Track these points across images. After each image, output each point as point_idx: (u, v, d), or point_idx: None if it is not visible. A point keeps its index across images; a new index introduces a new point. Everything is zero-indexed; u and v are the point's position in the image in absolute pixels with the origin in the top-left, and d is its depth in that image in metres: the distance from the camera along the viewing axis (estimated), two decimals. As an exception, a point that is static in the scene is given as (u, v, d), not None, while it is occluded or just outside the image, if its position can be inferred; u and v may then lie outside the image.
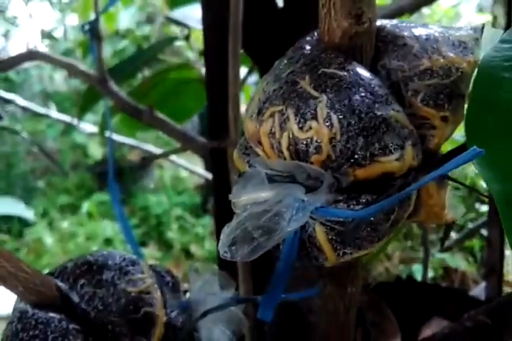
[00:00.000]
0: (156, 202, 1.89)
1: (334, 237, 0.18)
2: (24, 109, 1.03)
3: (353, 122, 0.16)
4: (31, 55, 0.60)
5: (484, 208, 1.23)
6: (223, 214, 0.37)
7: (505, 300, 0.33)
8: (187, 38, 0.79)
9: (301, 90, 0.17)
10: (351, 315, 0.26)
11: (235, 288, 0.24)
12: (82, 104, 0.73)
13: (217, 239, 0.39)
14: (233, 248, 0.16)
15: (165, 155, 0.80)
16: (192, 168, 1.09)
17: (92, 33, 0.54)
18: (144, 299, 0.22)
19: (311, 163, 0.17)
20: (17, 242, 1.92)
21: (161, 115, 0.51)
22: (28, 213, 1.19)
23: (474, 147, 0.14)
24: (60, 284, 0.22)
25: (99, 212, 1.88)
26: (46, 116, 1.12)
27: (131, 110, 0.51)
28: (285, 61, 0.18)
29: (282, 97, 0.17)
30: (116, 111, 0.73)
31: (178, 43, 1.32)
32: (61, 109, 1.95)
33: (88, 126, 1.15)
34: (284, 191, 0.17)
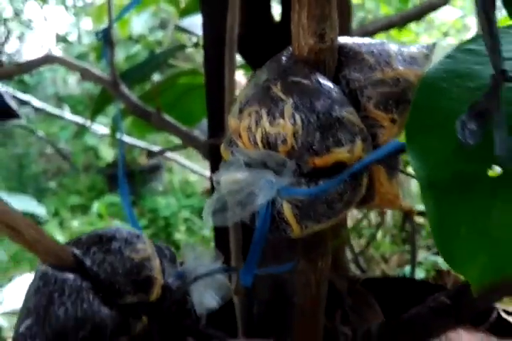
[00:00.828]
0: (165, 204, 1.94)
1: (298, 213, 0.22)
2: (37, 111, 1.08)
3: (312, 120, 0.21)
4: (49, 59, 0.65)
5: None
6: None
7: (463, 286, 0.37)
8: (196, 45, 0.84)
9: (273, 94, 0.21)
10: (322, 288, 0.30)
11: (224, 262, 0.29)
12: (95, 106, 0.78)
13: (218, 243, 0.44)
14: (214, 216, 0.21)
15: (164, 152, 0.84)
16: (201, 171, 1.13)
17: (106, 40, 0.58)
18: (145, 265, 0.26)
19: (279, 152, 0.21)
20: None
21: (167, 117, 0.55)
22: (40, 210, 1.24)
23: (396, 141, 0.18)
24: (76, 251, 0.26)
25: (109, 212, 1.93)
26: (60, 117, 1.17)
27: (140, 112, 0.56)
28: (264, 70, 0.23)
29: (258, 100, 0.21)
30: (128, 114, 0.78)
31: (190, 49, 1.37)
32: (74, 112, 2.01)
33: (100, 127, 1.20)
34: (257, 174, 0.21)
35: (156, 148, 1.14)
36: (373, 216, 1.25)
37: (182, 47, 0.98)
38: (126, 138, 1.04)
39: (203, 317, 0.29)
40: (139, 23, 1.63)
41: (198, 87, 0.83)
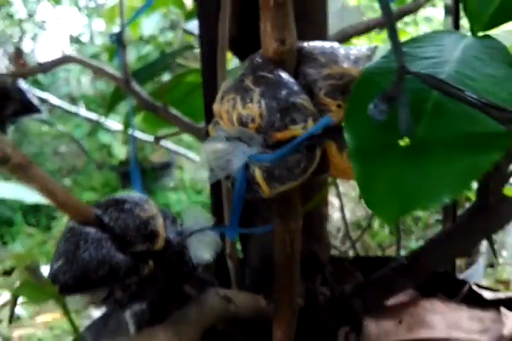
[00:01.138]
0: (176, 200, 2.01)
1: (266, 176, 0.29)
2: (51, 110, 1.16)
3: (274, 105, 0.28)
4: (67, 59, 0.72)
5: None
6: (217, 190, 0.48)
7: (419, 251, 0.44)
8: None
9: (245, 85, 0.28)
10: (295, 246, 0.37)
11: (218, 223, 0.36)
12: (109, 103, 0.86)
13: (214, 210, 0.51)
14: (203, 173, 0.28)
15: (163, 138, 0.90)
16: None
17: (118, 41, 0.66)
18: (150, 221, 0.34)
19: (250, 129, 0.28)
20: (45, 235, 2.06)
21: (173, 111, 0.62)
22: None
23: (326, 117, 0.25)
24: (97, 211, 0.34)
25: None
26: (75, 114, 1.25)
27: (149, 107, 0.63)
28: (240, 67, 0.30)
29: (234, 89, 0.29)
30: (139, 111, 0.85)
31: (198, 50, 1.44)
32: (88, 110, 2.10)
33: (113, 123, 1.28)
34: (233, 145, 0.28)
35: (167, 144, 1.21)
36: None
37: (190, 47, 1.05)
38: (138, 134, 1.12)
39: (198, 266, 0.36)
40: (149, 24, 1.70)
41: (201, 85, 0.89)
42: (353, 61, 0.31)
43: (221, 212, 0.41)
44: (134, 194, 0.35)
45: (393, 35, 0.24)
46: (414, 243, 1.31)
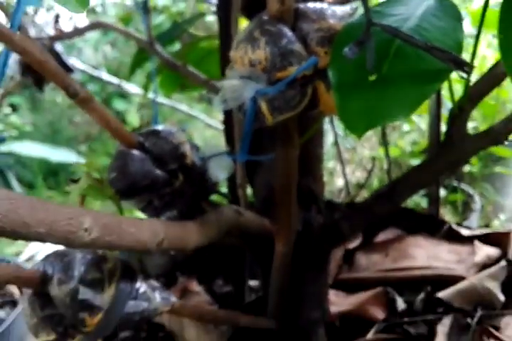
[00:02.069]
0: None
1: (270, 107, 0.38)
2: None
3: (276, 50, 0.37)
4: (98, 25, 0.81)
5: (467, 168, 1.42)
6: (230, 126, 0.58)
7: (397, 180, 0.53)
8: (215, 13, 0.99)
9: (254, 36, 0.37)
10: (293, 171, 0.47)
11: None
12: (132, 65, 0.95)
13: (226, 142, 0.61)
14: (221, 104, 0.37)
15: None
16: (218, 126, 1.29)
17: (144, 8, 0.74)
18: (181, 146, 0.43)
19: (258, 69, 0.37)
20: (64, 198, 2.17)
21: (191, 69, 0.71)
22: (80, 161, 1.42)
23: (313, 57, 0.35)
24: (139, 137, 0.43)
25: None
26: (98, 79, 1.34)
27: (171, 65, 0.72)
28: (251, 22, 0.39)
29: (246, 39, 0.38)
30: (159, 73, 0.93)
31: (210, 19, 1.53)
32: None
33: (132, 87, 1.37)
34: (245, 82, 0.37)
35: (181, 106, 1.30)
36: (367, 162, 1.41)
37: (202, 14, 1.14)
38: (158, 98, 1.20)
39: (216, 184, 0.46)
40: (163, -5, 1.78)
41: (214, 50, 0.98)
42: (338, 18, 0.40)
43: (233, 144, 0.50)
44: (167, 127, 0.45)
45: (363, -4, 0.33)
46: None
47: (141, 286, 0.40)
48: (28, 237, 0.24)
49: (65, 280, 0.35)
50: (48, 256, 0.38)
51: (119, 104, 2.47)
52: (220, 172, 0.45)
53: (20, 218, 0.23)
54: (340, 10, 0.40)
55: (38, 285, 0.36)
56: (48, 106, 2.80)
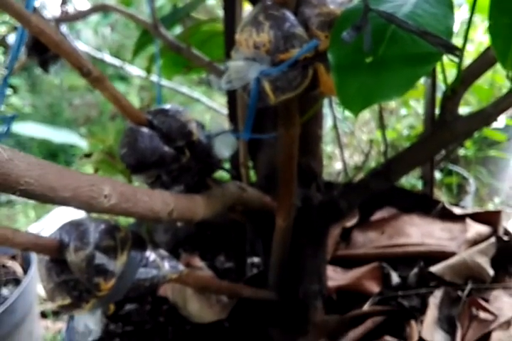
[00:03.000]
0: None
1: (273, 87, 0.41)
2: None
3: (279, 33, 0.39)
4: (103, 7, 0.83)
5: (462, 151, 1.45)
6: (233, 106, 0.60)
7: (391, 160, 0.56)
8: (219, -3, 1.00)
9: (259, 20, 0.40)
10: (294, 148, 0.49)
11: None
12: (136, 47, 0.96)
13: (230, 121, 0.63)
14: (227, 83, 0.40)
15: None
16: (219, 109, 1.32)
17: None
18: (188, 124, 0.46)
19: (262, 51, 0.40)
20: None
21: (195, 51, 0.73)
22: (82, 143, 1.45)
23: (314, 40, 0.37)
24: (148, 115, 0.46)
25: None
26: (101, 61, 1.36)
27: (175, 48, 0.74)
28: (255, 7, 0.41)
29: (251, 23, 0.40)
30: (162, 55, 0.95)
31: (211, 2, 1.54)
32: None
33: (134, 69, 1.39)
34: (249, 63, 0.40)
35: (182, 89, 1.32)
36: (364, 146, 1.44)
37: (204, -1, 1.14)
38: (156, 79, 1.22)
39: (221, 160, 0.49)
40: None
41: (217, 34, 0.99)
42: (338, 3, 0.42)
43: (236, 123, 0.53)
44: (175, 105, 0.47)
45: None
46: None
47: (151, 255, 0.43)
48: (55, 201, 0.27)
49: (82, 247, 0.38)
50: (63, 226, 0.41)
51: (119, 87, 2.48)
52: (224, 149, 0.48)
53: (49, 183, 0.26)
54: (340, -5, 0.42)
55: (55, 252, 0.39)
56: (46, 88, 2.81)
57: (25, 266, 0.88)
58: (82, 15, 0.85)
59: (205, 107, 1.81)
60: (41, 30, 0.39)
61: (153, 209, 0.35)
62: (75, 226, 0.40)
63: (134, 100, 2.51)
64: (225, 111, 1.47)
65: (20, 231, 0.36)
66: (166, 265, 0.43)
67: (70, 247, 0.38)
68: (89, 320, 0.42)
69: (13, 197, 1.72)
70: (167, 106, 0.47)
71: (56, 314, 1.16)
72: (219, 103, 1.56)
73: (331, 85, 0.43)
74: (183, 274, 0.44)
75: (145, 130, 0.45)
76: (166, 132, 0.46)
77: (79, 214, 0.43)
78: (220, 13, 1.27)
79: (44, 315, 1.13)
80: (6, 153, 0.24)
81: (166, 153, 0.45)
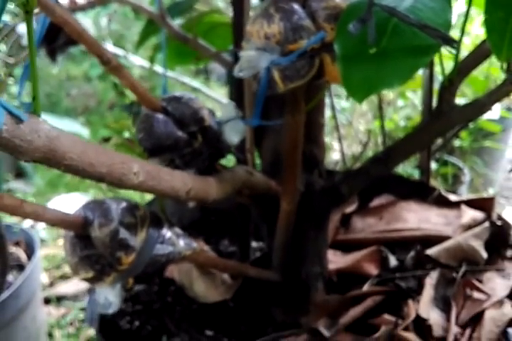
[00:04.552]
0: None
1: (281, 75, 0.44)
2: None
3: (288, 25, 0.42)
4: (110, -2, 0.85)
5: (457, 142, 1.48)
6: (240, 93, 0.63)
7: (390, 148, 0.59)
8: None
9: (270, 12, 0.42)
10: (299, 134, 0.52)
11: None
12: (141, 37, 0.98)
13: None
14: (239, 72, 0.42)
15: None
16: (218, 98, 1.34)
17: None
18: (200, 111, 0.49)
19: (272, 42, 0.42)
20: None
21: (202, 41, 0.76)
22: (83, 131, 1.47)
23: (322, 32, 0.40)
24: (162, 102, 0.49)
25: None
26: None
27: (181, 38, 0.77)
28: (266, 1, 0.44)
29: (262, 15, 0.43)
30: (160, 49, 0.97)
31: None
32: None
33: (137, 59, 1.41)
34: (260, 53, 0.43)
35: (184, 79, 1.34)
36: (362, 137, 1.47)
37: (207, -10, 1.16)
38: (158, 69, 1.24)
39: (231, 146, 0.51)
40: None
41: (220, 24, 1.01)
42: (344, -2, 0.45)
43: (243, 111, 0.56)
44: (187, 93, 0.50)
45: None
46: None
47: (167, 233, 0.46)
48: (92, 176, 0.30)
49: (106, 223, 0.41)
50: (87, 204, 0.44)
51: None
52: (234, 135, 0.51)
53: (89, 159, 0.29)
54: (345, -10, 0.45)
55: (80, 228, 0.42)
56: (44, 77, 2.81)
57: (29, 252, 0.90)
58: (90, 6, 0.87)
59: (205, 97, 1.84)
60: (65, 21, 0.42)
61: (174, 188, 0.38)
62: (98, 204, 0.43)
63: (134, 91, 2.52)
64: (224, 100, 1.50)
65: (49, 208, 0.39)
66: (181, 242, 0.46)
67: (94, 223, 0.41)
68: (110, 293, 0.45)
69: (12, 186, 1.75)
70: (180, 94, 0.50)
71: (59, 300, 1.19)
72: (219, 93, 1.58)
73: (336, 74, 0.46)
74: (196, 251, 0.47)
75: (160, 116, 0.48)
76: (179, 118, 0.48)
77: (78, 202, 0.46)
78: (220, 4, 1.29)
79: (47, 301, 1.15)
80: (54, 132, 0.26)
81: (179, 137, 0.48)
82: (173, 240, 0.45)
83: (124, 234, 0.41)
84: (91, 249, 0.43)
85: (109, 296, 0.44)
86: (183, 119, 0.48)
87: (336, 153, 1.80)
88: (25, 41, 0.64)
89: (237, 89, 0.64)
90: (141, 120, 0.48)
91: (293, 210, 0.60)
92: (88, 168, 0.29)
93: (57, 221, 0.40)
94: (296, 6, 0.43)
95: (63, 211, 0.40)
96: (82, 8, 0.84)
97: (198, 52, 0.79)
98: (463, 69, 0.53)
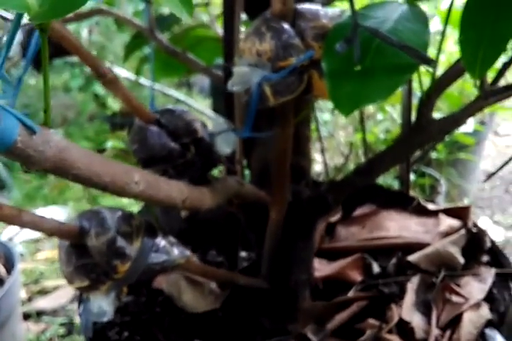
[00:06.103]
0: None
1: (273, 90, 0.46)
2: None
3: (279, 43, 0.44)
4: (99, 11, 0.87)
5: (434, 154, 1.53)
6: (230, 106, 0.65)
7: (373, 158, 0.62)
8: (207, 4, 1.05)
9: (261, 31, 0.45)
10: (288, 146, 0.54)
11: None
12: (127, 50, 1.00)
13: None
14: (232, 87, 0.45)
15: None
16: (201, 109, 1.36)
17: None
18: (192, 123, 0.51)
19: (263, 59, 0.45)
20: (41, 181, 2.20)
21: (191, 55, 0.78)
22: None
23: (310, 51, 0.42)
24: (156, 115, 0.50)
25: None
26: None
27: (170, 51, 0.79)
28: (257, 19, 0.47)
29: (254, 33, 0.45)
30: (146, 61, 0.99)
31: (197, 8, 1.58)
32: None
33: (122, 71, 1.42)
34: (252, 69, 0.45)
35: (169, 91, 1.36)
36: (343, 149, 1.50)
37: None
38: (143, 81, 1.26)
39: (222, 156, 0.54)
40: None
41: (205, 39, 1.04)
42: (330, 18, 0.48)
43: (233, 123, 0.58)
44: (181, 108, 0.52)
45: (351, 2, 0.41)
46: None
47: (161, 241, 0.47)
48: (98, 185, 0.31)
49: (103, 232, 0.42)
50: (82, 214, 0.45)
51: (99, 88, 2.49)
52: (225, 146, 0.53)
53: (95, 169, 0.30)
54: (331, 11, 0.48)
55: (76, 237, 0.43)
56: (22, 88, 2.78)
57: (8, 266, 0.88)
58: (78, 19, 0.89)
59: (189, 108, 1.86)
60: (63, 35, 0.44)
61: (171, 197, 0.40)
62: (94, 214, 0.44)
63: (115, 102, 2.53)
64: (208, 112, 1.53)
65: (46, 218, 0.40)
66: (175, 250, 0.48)
67: (91, 232, 0.43)
68: (104, 302, 0.46)
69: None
70: (173, 107, 0.52)
71: (39, 315, 1.17)
72: (202, 105, 1.61)
73: (323, 90, 0.48)
74: (189, 259, 0.49)
75: (154, 128, 0.50)
76: (172, 130, 0.50)
77: (56, 216, 0.47)
78: (205, 18, 1.32)
79: (25, 316, 1.13)
80: (63, 143, 0.28)
81: (173, 149, 0.50)
82: (167, 248, 0.47)
83: (120, 242, 0.42)
84: (87, 258, 0.44)
85: (103, 305, 0.45)
86: (177, 131, 0.50)
87: (318, 164, 1.84)
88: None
89: (226, 102, 0.66)
90: (135, 132, 0.50)
91: (281, 220, 0.62)
92: (94, 177, 0.30)
93: (55, 230, 0.41)
94: (286, 26, 0.45)
95: (59, 220, 0.42)
96: (71, 20, 0.86)
97: (185, 65, 0.82)
98: (439, 85, 0.56)
